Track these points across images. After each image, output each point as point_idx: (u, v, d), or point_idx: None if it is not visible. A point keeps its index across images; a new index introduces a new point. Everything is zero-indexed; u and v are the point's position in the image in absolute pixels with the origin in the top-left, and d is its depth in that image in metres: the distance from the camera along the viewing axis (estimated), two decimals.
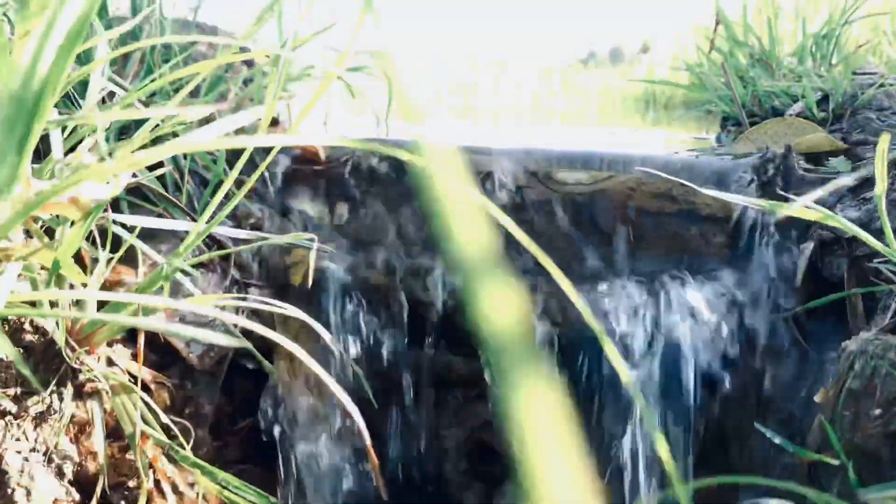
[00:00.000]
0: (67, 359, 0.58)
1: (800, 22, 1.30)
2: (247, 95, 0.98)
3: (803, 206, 0.56)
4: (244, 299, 0.82)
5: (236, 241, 0.78)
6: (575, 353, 0.82)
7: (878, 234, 0.65)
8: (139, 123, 0.77)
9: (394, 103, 1.38)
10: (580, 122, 2.72)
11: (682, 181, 0.89)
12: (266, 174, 0.90)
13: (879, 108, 0.93)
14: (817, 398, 0.59)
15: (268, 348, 0.80)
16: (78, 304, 0.62)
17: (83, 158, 0.56)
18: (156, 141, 0.76)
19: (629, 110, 3.96)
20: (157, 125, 0.66)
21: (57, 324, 0.59)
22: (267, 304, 0.65)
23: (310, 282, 0.64)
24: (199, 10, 1.18)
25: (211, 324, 0.74)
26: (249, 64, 1.23)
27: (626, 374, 0.29)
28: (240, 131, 0.95)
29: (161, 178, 0.83)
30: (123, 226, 0.64)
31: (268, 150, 0.95)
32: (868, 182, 0.78)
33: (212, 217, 0.61)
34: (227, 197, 0.71)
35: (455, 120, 3.07)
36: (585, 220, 0.86)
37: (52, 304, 0.58)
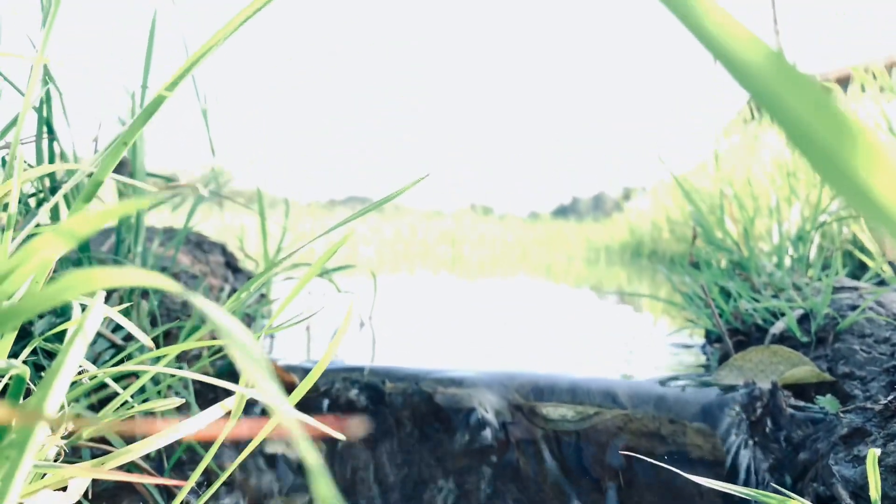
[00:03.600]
0: None
1: (774, 223, 1.34)
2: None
3: None
4: None
5: None
6: None
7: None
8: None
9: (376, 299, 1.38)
10: (564, 277, 2.73)
11: (670, 418, 0.87)
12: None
13: (862, 335, 0.93)
14: None
15: None
16: None
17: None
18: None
19: (614, 262, 4.03)
20: (126, 402, 0.64)
21: None
22: None
23: None
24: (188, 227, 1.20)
25: None
26: (235, 269, 1.24)
27: None
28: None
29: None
30: None
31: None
32: (859, 432, 0.76)
33: None
34: (207, 482, 0.68)
35: (442, 271, 3.10)
36: (573, 464, 0.82)
37: None
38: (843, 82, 2.28)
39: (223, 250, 1.21)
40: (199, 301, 0.23)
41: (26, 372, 0.37)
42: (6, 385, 0.60)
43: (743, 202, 1.40)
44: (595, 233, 4.92)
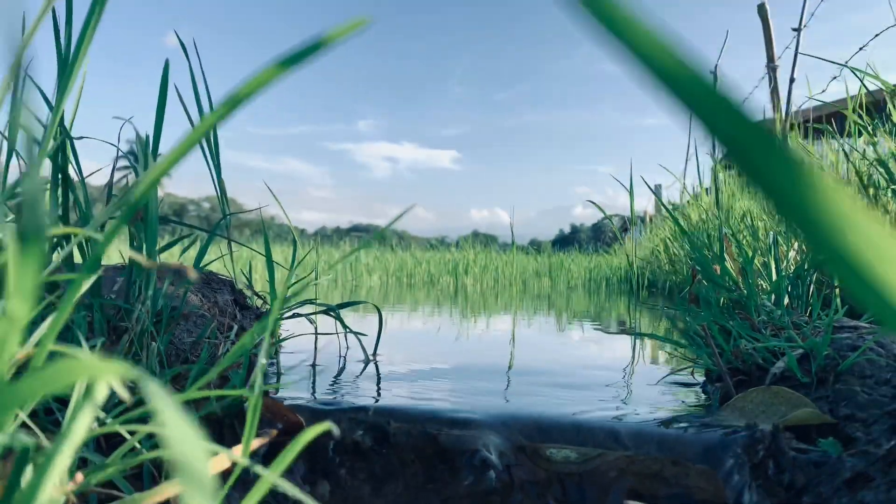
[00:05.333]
0: None
1: (772, 261, 1.35)
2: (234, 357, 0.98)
3: None
4: None
5: None
6: None
7: None
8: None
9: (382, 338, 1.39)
10: (565, 309, 2.72)
11: (673, 460, 0.87)
12: None
13: (862, 376, 0.94)
14: None
15: None
16: None
17: None
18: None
19: (613, 293, 4.04)
20: (135, 447, 0.65)
21: None
22: None
23: None
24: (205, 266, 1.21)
25: None
26: (243, 307, 1.25)
27: None
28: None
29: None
30: None
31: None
32: (862, 477, 0.76)
33: None
34: None
35: (445, 303, 3.11)
36: None
37: None
38: (840, 117, 2.31)
39: (232, 288, 1.22)
40: (152, 388, 0.24)
41: (30, 444, 0.38)
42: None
43: (740, 239, 1.42)
44: (594, 264, 4.95)
